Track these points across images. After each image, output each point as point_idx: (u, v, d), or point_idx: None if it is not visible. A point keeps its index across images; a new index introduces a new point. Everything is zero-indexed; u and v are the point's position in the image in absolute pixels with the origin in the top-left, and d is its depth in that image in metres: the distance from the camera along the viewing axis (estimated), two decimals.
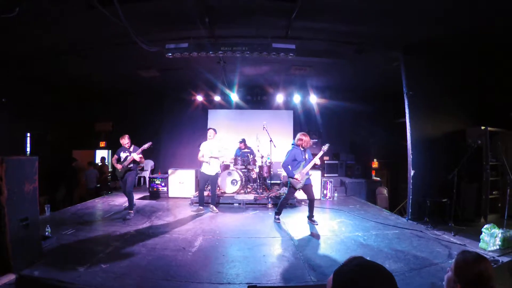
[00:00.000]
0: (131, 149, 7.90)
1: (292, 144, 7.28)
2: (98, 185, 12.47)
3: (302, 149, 7.13)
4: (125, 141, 7.95)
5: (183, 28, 6.97)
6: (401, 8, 6.02)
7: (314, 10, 6.16)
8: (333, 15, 6.38)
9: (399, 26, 6.87)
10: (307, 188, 7.15)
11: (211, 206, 8.54)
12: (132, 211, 7.95)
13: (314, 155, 7.26)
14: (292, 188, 7.15)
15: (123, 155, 7.92)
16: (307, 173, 7.08)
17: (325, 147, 7.18)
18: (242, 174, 10.05)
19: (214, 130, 8.59)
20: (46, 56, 8.46)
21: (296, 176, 6.93)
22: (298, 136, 7.20)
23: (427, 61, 7.96)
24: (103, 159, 13.86)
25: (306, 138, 7.13)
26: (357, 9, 6.11)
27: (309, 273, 4.59)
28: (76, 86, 12.23)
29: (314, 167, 7.30)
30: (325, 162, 12.58)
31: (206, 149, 8.33)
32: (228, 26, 7.04)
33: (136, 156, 7.72)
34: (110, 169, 13.95)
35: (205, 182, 8.52)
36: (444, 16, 6.23)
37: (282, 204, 7.48)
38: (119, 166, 7.84)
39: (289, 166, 7.03)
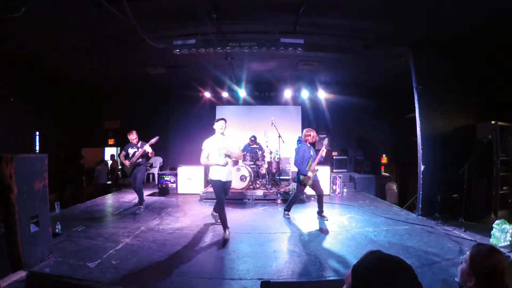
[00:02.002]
0: (139, 144, 7.92)
1: (298, 141, 7.27)
2: (109, 182, 12.54)
3: (309, 145, 7.13)
4: (133, 136, 7.96)
5: (190, 24, 6.94)
6: (410, 5, 5.96)
7: (322, 5, 6.11)
8: (341, 10, 6.31)
9: (408, 22, 6.79)
10: (315, 184, 7.13)
11: (226, 231, 6.00)
12: (142, 207, 8.03)
13: (317, 151, 7.24)
14: (302, 186, 7.14)
15: (131, 151, 7.95)
16: (314, 169, 7.05)
17: (326, 142, 7.16)
18: (251, 170, 10.02)
19: (225, 120, 6.38)
20: (53, 55, 8.47)
21: (309, 173, 6.93)
22: (305, 132, 7.19)
23: (436, 56, 7.85)
24: (112, 156, 13.93)
25: (313, 133, 7.13)
26: (365, 5, 6.04)
27: (320, 268, 4.57)
28: (84, 84, 12.28)
29: (321, 160, 7.23)
30: (334, 157, 12.53)
31: (214, 148, 6.22)
32: (236, 22, 6.98)
33: (148, 148, 7.74)
34: (119, 166, 14.06)
35: (222, 192, 6.13)
36: (453, 13, 6.17)
37: (292, 201, 7.46)
38: (127, 163, 7.87)
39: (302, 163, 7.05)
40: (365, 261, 1.19)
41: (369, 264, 1.16)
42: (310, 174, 6.93)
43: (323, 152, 7.05)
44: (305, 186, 7.13)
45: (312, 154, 7.08)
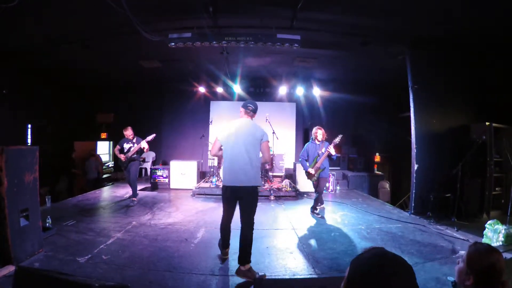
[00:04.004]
0: (134, 140, 7.96)
1: (311, 138, 7.34)
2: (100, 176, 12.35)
3: (318, 143, 7.14)
4: (128, 132, 8.03)
5: (186, 17, 6.86)
6: (410, 4, 5.96)
7: (320, 1, 6.06)
8: (339, 6, 6.28)
9: (406, 21, 6.79)
10: (319, 181, 7.16)
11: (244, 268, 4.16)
12: (135, 199, 8.15)
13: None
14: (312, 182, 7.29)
15: (126, 146, 8.01)
16: (321, 166, 7.02)
17: (337, 139, 7.04)
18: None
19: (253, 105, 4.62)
20: (47, 47, 8.35)
21: (309, 170, 6.99)
22: (313, 129, 7.33)
23: (433, 55, 7.88)
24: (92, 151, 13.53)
25: (319, 131, 7.19)
26: (364, 1, 6.02)
27: (313, 265, 4.56)
28: (77, 77, 12.11)
29: (331, 158, 7.13)
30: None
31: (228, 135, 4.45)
32: (232, 15, 6.92)
33: (145, 143, 7.82)
34: (111, 161, 13.92)
35: (233, 205, 4.65)
36: (451, 13, 6.20)
37: (316, 199, 7.49)
38: (122, 157, 7.91)
39: (306, 160, 7.17)
40: (364, 256, 1.17)
41: (366, 259, 1.14)
42: (310, 170, 6.98)
43: (328, 150, 6.94)
44: (311, 181, 7.25)
45: (323, 151, 7.04)
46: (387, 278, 1.05)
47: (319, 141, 7.15)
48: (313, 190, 7.68)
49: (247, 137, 4.36)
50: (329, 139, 7.23)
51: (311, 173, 6.99)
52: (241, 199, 4.43)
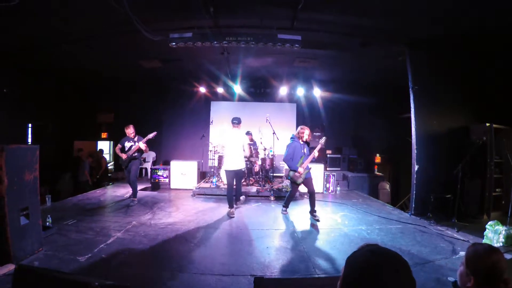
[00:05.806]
0: (136, 138, 7.95)
1: (292, 137, 7.24)
2: (93, 180, 12.24)
3: (302, 142, 7.10)
4: (130, 130, 8.02)
5: (187, 17, 6.87)
6: (409, 5, 5.96)
7: (321, 1, 6.06)
8: (339, 7, 6.27)
9: (406, 22, 6.78)
10: (307, 181, 7.09)
11: (240, 199, 8.53)
12: (135, 199, 8.13)
13: (312, 148, 7.21)
14: (294, 184, 7.14)
15: (127, 144, 7.99)
16: (307, 167, 7.01)
17: (322, 141, 7.09)
18: (244, 166, 9.99)
19: (237, 120, 7.50)
20: (48, 46, 8.34)
21: (299, 169, 6.88)
22: (299, 129, 7.19)
23: (433, 56, 7.86)
24: (101, 151, 13.59)
25: (307, 131, 7.13)
26: (363, 2, 6.01)
27: (313, 265, 4.55)
28: (78, 76, 12.13)
29: (313, 160, 7.22)
30: (328, 155, 12.53)
31: (229, 140, 7.42)
32: (233, 16, 6.91)
33: (142, 145, 7.83)
34: (112, 161, 13.89)
35: (233, 178, 7.45)
36: (450, 14, 6.20)
37: (288, 198, 7.50)
38: (123, 156, 7.92)
39: (291, 159, 7.02)
40: (359, 253, 1.17)
41: (361, 256, 1.14)
42: (300, 170, 6.88)
43: (316, 150, 7.00)
44: (297, 184, 7.10)
45: (305, 151, 7.04)
46: (383, 273, 1.05)
47: (303, 141, 7.12)
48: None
49: (234, 144, 7.37)
50: (328, 141, 7.23)
51: (300, 173, 6.90)
52: (236, 175, 7.50)
